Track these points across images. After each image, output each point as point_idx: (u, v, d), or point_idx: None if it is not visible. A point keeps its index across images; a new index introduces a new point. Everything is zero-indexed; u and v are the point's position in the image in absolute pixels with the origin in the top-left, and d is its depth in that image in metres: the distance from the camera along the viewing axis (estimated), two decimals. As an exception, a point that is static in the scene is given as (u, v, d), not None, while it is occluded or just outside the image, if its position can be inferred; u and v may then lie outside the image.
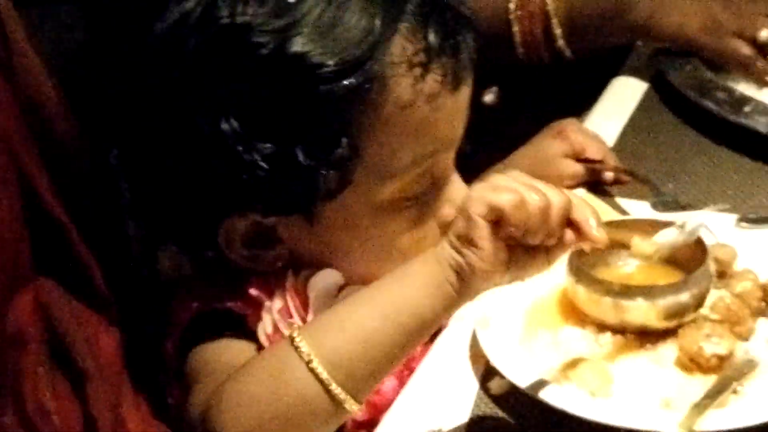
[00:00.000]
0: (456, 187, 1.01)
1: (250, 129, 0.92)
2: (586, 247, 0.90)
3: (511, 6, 1.43)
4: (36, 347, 0.80)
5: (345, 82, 0.90)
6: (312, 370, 0.85)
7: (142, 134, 0.97)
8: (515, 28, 1.43)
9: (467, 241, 0.86)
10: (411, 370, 1.04)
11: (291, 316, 0.97)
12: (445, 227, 0.89)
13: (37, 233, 0.82)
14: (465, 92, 0.97)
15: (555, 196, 0.87)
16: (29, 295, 0.81)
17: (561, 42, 1.43)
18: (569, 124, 1.31)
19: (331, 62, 0.90)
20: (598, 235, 0.88)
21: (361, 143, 0.93)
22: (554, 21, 1.42)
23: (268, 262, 0.99)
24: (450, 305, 0.88)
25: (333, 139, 0.92)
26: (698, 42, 1.41)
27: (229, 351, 0.95)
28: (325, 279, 0.99)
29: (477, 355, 1.03)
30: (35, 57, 0.87)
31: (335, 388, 0.86)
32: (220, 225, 0.97)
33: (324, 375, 0.85)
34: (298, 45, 0.91)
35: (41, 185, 0.83)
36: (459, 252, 0.86)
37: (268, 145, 0.92)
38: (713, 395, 0.95)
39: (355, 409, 0.87)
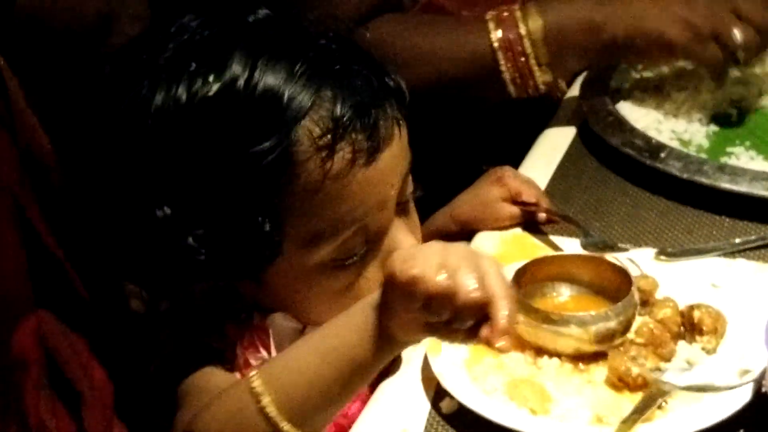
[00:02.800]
0: (399, 239, 0.99)
1: (180, 215, 0.92)
2: (494, 342, 0.82)
3: (495, 44, 1.41)
4: (37, 371, 0.83)
5: (261, 165, 0.90)
6: (262, 409, 0.85)
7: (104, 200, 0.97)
8: (502, 64, 1.42)
9: (384, 304, 0.85)
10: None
11: (259, 351, 0.98)
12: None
13: (37, 269, 0.84)
14: (386, 159, 0.95)
15: (464, 282, 0.81)
16: (31, 323, 0.83)
17: (532, 62, 1.42)
18: (506, 171, 1.33)
19: (253, 145, 0.89)
20: (497, 342, 0.82)
21: (282, 220, 0.92)
22: (527, 43, 1.41)
23: (233, 310, 1.00)
24: (383, 351, 0.87)
25: (254, 220, 0.91)
26: (681, 48, 1.40)
27: (214, 378, 0.96)
28: (281, 321, 0.99)
29: (429, 378, 1.06)
30: (32, 115, 0.89)
31: (285, 425, 0.86)
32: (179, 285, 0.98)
33: (273, 413, 0.85)
34: (225, 125, 0.90)
35: (40, 226, 0.86)
36: (383, 310, 0.85)
37: (198, 230, 0.92)
38: (640, 411, 0.98)
39: None
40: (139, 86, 0.92)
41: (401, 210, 1.00)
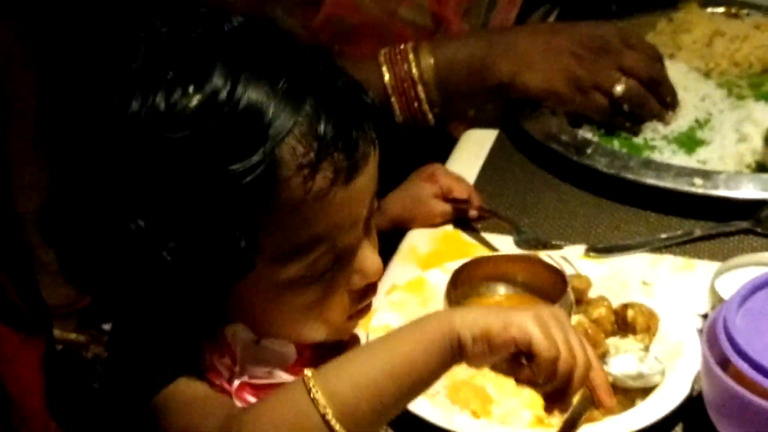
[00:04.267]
0: (365, 257, 0.97)
1: (154, 228, 0.89)
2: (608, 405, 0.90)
3: (386, 80, 1.41)
4: None
5: (242, 183, 0.87)
6: (328, 422, 0.84)
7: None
8: (393, 99, 1.41)
9: (487, 341, 0.86)
10: None
11: (223, 357, 0.96)
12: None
13: None
14: (362, 180, 0.93)
15: (582, 359, 0.87)
16: None
17: (425, 107, 1.42)
18: (437, 168, 1.33)
19: (233, 163, 0.86)
20: (610, 403, 0.89)
21: (258, 236, 0.90)
22: (420, 87, 1.42)
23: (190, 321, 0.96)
24: (448, 368, 0.88)
25: (230, 235, 0.89)
26: (564, 96, 1.43)
27: (194, 385, 0.93)
28: (237, 332, 0.97)
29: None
30: None
31: None
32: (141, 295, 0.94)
33: (337, 427, 0.84)
34: (205, 141, 0.87)
35: None
36: (473, 341, 0.86)
37: (171, 243, 0.89)
38: (580, 411, 0.98)
39: None
40: (111, 94, 0.88)
41: (366, 228, 0.98)
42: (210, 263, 0.89)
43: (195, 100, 0.87)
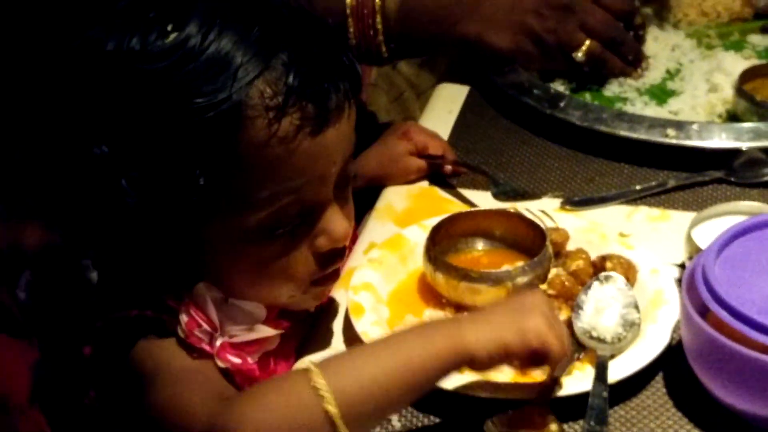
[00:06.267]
0: (333, 218, 0.97)
1: (117, 155, 0.90)
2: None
3: (348, 1, 1.39)
4: None
5: (205, 117, 0.88)
6: (330, 419, 0.83)
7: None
8: (350, 21, 1.39)
9: (505, 355, 0.88)
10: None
11: (197, 319, 0.96)
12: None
13: None
14: (332, 134, 0.93)
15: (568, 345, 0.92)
16: None
17: (380, 38, 1.41)
18: (412, 126, 1.33)
19: (199, 98, 0.88)
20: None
21: (219, 177, 0.91)
22: (378, 18, 1.40)
23: (154, 269, 0.97)
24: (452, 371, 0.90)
25: (191, 171, 0.90)
26: (527, 56, 1.43)
27: (180, 355, 0.94)
28: (204, 291, 0.97)
29: (352, 338, 1.05)
30: None
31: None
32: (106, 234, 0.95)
33: (340, 424, 0.84)
34: (172, 76, 0.89)
35: None
36: (489, 358, 0.88)
37: (133, 173, 0.90)
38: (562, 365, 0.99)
39: None
40: (93, 27, 0.91)
41: (340, 194, 0.98)
42: (169, 200, 0.90)
43: (170, 39, 0.89)
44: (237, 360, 0.96)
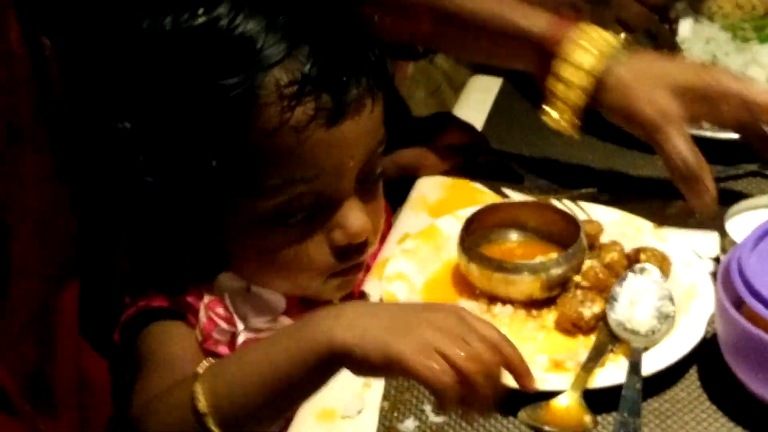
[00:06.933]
0: (350, 212, 0.96)
1: (138, 131, 0.92)
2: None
3: None
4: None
5: (222, 99, 0.89)
6: (203, 423, 0.83)
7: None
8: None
9: (371, 371, 0.80)
10: None
11: (218, 308, 0.97)
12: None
13: None
14: (350, 127, 0.93)
15: (488, 362, 0.79)
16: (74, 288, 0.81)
17: None
18: (446, 116, 1.33)
19: (216, 79, 0.89)
20: (531, 387, 0.83)
21: (231, 160, 0.91)
22: None
23: (177, 254, 0.99)
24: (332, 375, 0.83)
25: (204, 153, 0.91)
26: None
27: (171, 340, 0.95)
28: (227, 281, 0.98)
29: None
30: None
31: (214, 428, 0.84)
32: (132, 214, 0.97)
33: (212, 427, 0.83)
34: (197, 56, 0.91)
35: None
36: (356, 366, 0.80)
37: (150, 150, 0.92)
38: (596, 357, 0.98)
39: None
40: (131, 7, 0.94)
41: (364, 190, 0.98)
42: (183, 180, 0.92)
43: (198, 21, 0.91)
44: None
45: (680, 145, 1.11)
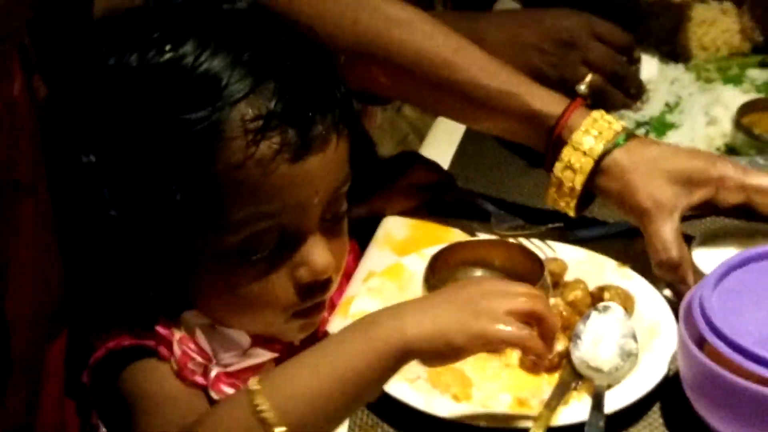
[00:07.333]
0: (315, 250, 0.96)
1: (102, 164, 0.93)
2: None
3: None
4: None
5: (187, 133, 0.90)
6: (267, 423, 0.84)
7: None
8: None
9: (452, 354, 0.88)
10: None
11: (190, 344, 0.97)
12: None
13: None
14: (314, 162, 0.93)
15: (549, 318, 0.90)
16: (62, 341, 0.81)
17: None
18: (412, 156, 1.34)
19: (182, 114, 0.90)
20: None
21: (195, 194, 0.91)
22: None
23: (141, 290, 0.97)
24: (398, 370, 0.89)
25: (168, 186, 0.91)
26: None
27: (163, 378, 0.94)
28: (191, 318, 0.98)
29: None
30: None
31: None
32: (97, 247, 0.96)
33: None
34: (162, 92, 0.91)
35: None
36: (430, 354, 0.88)
37: (114, 184, 0.92)
38: (559, 395, 0.99)
39: None
40: (100, 45, 0.95)
41: (328, 227, 0.98)
42: (147, 214, 0.92)
43: (164, 58, 0.92)
44: (231, 390, 0.96)
45: (666, 235, 1.11)
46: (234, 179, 0.91)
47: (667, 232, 1.11)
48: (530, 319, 0.89)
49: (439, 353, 0.87)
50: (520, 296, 0.90)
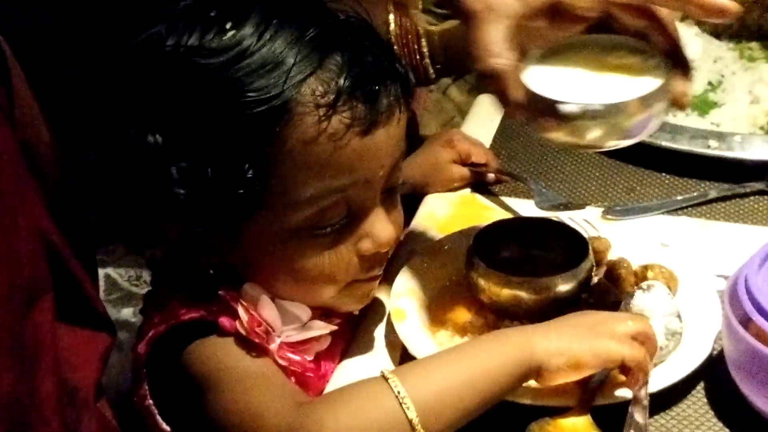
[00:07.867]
0: (378, 222, 0.98)
1: (170, 145, 0.92)
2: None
3: (392, 28, 1.39)
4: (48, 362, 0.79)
5: (256, 112, 0.90)
6: (414, 428, 0.86)
7: (92, 133, 0.97)
8: (396, 48, 1.38)
9: (576, 369, 0.92)
10: None
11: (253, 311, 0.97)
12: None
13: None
14: (381, 136, 0.94)
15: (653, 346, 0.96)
16: (48, 304, 0.80)
17: (426, 60, 1.40)
18: (455, 133, 1.33)
19: (251, 93, 0.90)
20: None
21: (266, 171, 0.92)
22: (424, 41, 1.39)
23: (201, 267, 0.98)
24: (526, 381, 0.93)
25: (240, 164, 0.91)
26: None
27: (243, 358, 0.95)
28: (251, 292, 0.98)
29: (393, 343, 1.06)
30: (34, 104, 0.86)
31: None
32: (156, 227, 0.96)
33: (416, 421, 0.86)
34: (227, 72, 0.90)
35: (40, 213, 0.82)
36: (558, 370, 0.92)
37: (183, 163, 0.92)
38: (603, 374, 0.97)
39: None
40: (156, 26, 0.93)
41: (387, 200, 0.99)
42: (216, 191, 0.92)
43: (226, 37, 0.91)
44: (297, 357, 0.98)
45: (490, 38, 0.94)
46: (306, 154, 0.92)
47: (491, 35, 0.95)
48: (636, 339, 0.94)
49: (563, 368, 0.91)
50: (627, 320, 0.96)
